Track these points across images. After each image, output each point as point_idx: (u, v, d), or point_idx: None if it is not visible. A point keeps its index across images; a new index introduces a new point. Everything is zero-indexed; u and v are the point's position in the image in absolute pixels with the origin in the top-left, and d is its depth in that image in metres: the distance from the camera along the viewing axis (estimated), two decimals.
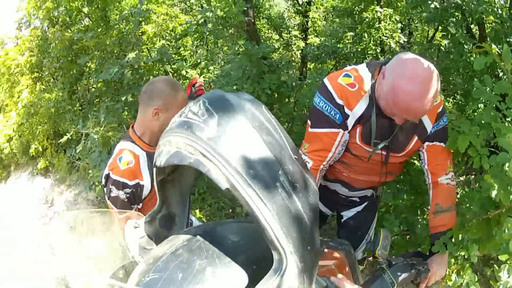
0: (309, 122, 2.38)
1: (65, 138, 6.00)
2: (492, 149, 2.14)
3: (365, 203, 2.87)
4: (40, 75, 9.32)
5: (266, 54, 5.12)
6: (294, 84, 5.08)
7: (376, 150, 2.32)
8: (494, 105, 2.18)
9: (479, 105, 2.65)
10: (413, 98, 1.91)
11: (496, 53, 2.09)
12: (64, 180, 8.40)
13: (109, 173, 2.39)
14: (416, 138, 2.32)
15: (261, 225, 1.09)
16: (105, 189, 2.46)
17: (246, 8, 5.31)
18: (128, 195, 2.36)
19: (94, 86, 7.33)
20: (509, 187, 1.85)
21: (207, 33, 5.35)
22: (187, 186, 1.64)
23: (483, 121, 2.17)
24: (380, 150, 2.34)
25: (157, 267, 1.21)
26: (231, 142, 1.13)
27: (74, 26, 7.49)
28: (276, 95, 5.23)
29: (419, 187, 3.39)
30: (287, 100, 5.35)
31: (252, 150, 1.14)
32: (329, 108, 2.24)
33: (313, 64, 8.93)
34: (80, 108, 7.66)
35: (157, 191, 1.52)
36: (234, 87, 5.05)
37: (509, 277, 1.92)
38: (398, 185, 3.29)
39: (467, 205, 2.25)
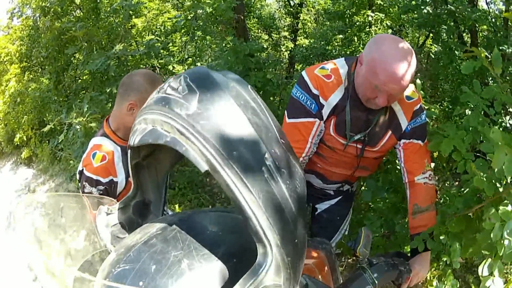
0: (286, 114, 2.34)
1: (48, 127, 5.90)
2: (477, 154, 2.08)
3: (339, 197, 2.83)
4: (28, 64, 9.20)
5: (254, 52, 5.03)
6: (280, 82, 5.00)
7: (351, 141, 2.31)
8: (481, 111, 2.12)
9: (467, 111, 2.60)
10: (392, 63, 1.90)
11: (485, 57, 2.03)
12: (46, 171, 8.29)
13: (82, 170, 2.27)
14: (390, 132, 2.30)
15: (245, 213, 0.98)
16: (79, 184, 2.34)
17: (236, 5, 5.24)
18: (101, 192, 2.25)
19: (81, 77, 7.21)
20: (493, 180, 1.78)
21: (195, 28, 5.28)
22: (163, 173, 1.51)
23: (470, 126, 2.11)
24: (355, 144, 2.33)
25: (128, 257, 1.09)
26: (212, 119, 1.01)
27: (65, 17, 7.36)
28: (261, 93, 5.10)
29: (399, 186, 3.30)
30: (272, 98, 5.27)
31: (235, 130, 1.02)
32: (305, 98, 2.25)
33: (300, 65, 8.81)
34: (66, 98, 7.52)
35: (132, 176, 1.41)
36: None
37: (490, 273, 1.78)
38: (378, 183, 3.22)
39: (448, 202, 2.18)
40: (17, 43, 9.70)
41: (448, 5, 5.16)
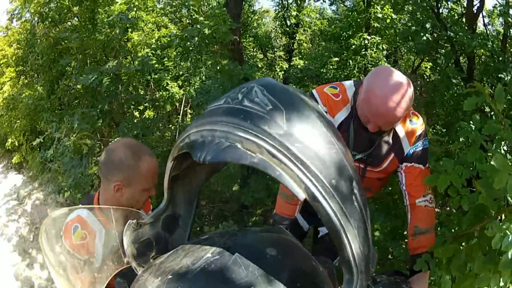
0: None
1: (37, 140, 5.75)
2: (473, 189, 2.09)
3: None
4: (24, 69, 8.99)
5: (248, 75, 4.87)
6: None
7: (354, 159, 2.30)
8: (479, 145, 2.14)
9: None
10: (383, 102, 1.94)
11: (488, 93, 2.03)
12: (36, 178, 8.11)
13: (61, 237, 2.09)
14: (392, 155, 2.30)
15: (341, 243, 0.95)
16: None
17: (234, 27, 5.08)
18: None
19: (74, 88, 7.01)
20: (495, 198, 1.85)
21: (191, 48, 5.11)
22: (197, 185, 1.43)
23: (468, 161, 2.12)
24: (357, 163, 2.32)
25: (184, 287, 0.98)
26: (306, 142, 0.94)
27: (63, 24, 7.17)
28: None
29: (398, 212, 3.33)
30: None
31: (330, 155, 0.96)
32: None
33: (294, 86, 8.59)
34: (58, 107, 7.30)
35: (166, 188, 1.33)
36: None
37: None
38: (376, 206, 3.14)
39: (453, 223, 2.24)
40: (14, 45, 9.50)
41: (448, 31, 5.01)
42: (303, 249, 1.26)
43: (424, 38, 5.19)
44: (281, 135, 0.92)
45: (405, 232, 3.39)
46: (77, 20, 7.06)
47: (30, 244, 6.57)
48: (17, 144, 8.88)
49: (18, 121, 8.57)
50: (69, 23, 7.33)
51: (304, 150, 0.92)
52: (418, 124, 2.28)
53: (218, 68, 4.95)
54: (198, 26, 4.86)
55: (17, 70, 9.18)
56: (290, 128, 0.94)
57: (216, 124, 0.99)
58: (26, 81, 8.82)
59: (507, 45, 5.24)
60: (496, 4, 6.60)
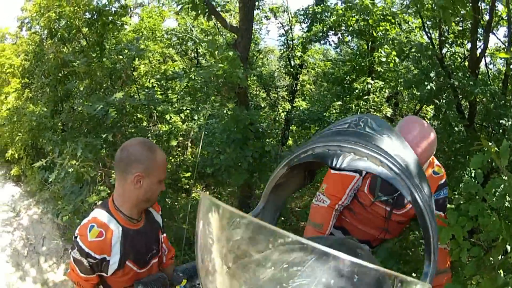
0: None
1: (39, 163, 5.62)
2: (471, 240, 2.17)
3: None
4: (30, 81, 8.87)
5: (254, 121, 4.81)
6: (276, 156, 4.78)
7: (376, 199, 2.52)
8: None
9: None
10: (412, 144, 2.08)
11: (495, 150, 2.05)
12: (33, 194, 7.97)
13: (77, 237, 2.07)
14: None
15: (430, 236, 1.20)
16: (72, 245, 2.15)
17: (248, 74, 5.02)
18: (91, 264, 2.07)
19: (79, 112, 6.91)
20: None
21: (199, 87, 5.06)
22: (285, 197, 1.62)
23: (471, 216, 2.14)
24: (384, 206, 2.54)
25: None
26: (407, 160, 1.26)
27: (71, 43, 7.09)
28: (257, 163, 4.92)
29: (408, 258, 3.46)
30: (267, 169, 5.03)
31: (422, 171, 1.30)
32: None
33: (295, 128, 8.55)
34: (61, 128, 7.18)
35: (266, 194, 1.46)
36: (217, 148, 4.75)
37: None
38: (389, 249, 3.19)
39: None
40: (21, 56, 9.41)
41: (451, 79, 4.98)
42: None
43: (428, 87, 5.16)
44: (395, 155, 1.23)
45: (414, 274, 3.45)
46: (85, 41, 6.97)
47: (23, 258, 6.45)
48: (17, 157, 8.77)
49: (19, 134, 8.44)
50: (77, 43, 7.25)
51: (410, 166, 1.24)
52: (440, 174, 2.47)
53: (225, 112, 4.90)
54: (211, 68, 4.80)
55: (22, 82, 9.09)
56: (398, 150, 1.26)
57: (344, 142, 1.26)
58: (31, 95, 8.70)
59: (508, 84, 5.20)
60: (499, 46, 6.60)
